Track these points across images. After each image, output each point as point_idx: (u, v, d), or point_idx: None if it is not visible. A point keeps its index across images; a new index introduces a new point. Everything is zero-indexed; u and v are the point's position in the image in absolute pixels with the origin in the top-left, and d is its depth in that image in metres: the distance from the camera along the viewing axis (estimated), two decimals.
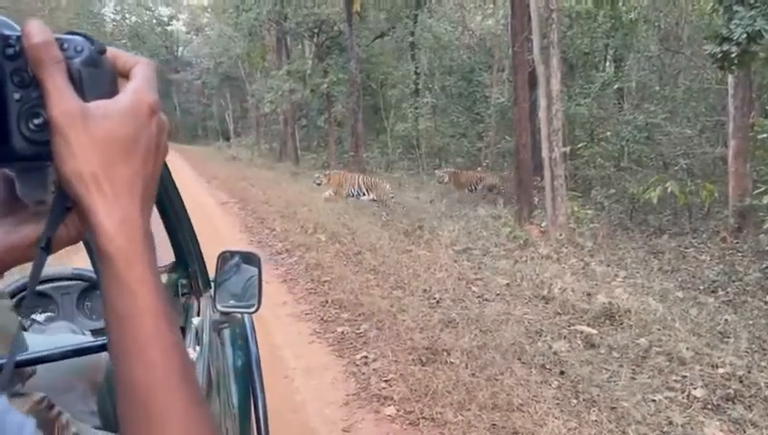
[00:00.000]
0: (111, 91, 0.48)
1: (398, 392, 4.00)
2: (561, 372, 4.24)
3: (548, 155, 8.71)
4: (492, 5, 19.63)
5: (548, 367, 4.34)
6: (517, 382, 4.05)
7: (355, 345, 4.91)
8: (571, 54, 15.53)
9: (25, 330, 1.62)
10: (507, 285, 6.33)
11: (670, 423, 3.59)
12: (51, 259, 0.54)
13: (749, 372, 4.19)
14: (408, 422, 3.69)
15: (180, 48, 45.35)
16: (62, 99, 0.45)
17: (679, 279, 7.17)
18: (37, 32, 0.44)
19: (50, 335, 1.71)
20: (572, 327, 5.09)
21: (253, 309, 2.05)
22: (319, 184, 13.52)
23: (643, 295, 5.89)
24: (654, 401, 3.86)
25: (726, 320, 5.36)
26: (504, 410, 3.70)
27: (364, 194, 12.82)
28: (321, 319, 5.58)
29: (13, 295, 1.73)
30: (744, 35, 6.97)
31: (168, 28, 43.84)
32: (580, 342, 4.79)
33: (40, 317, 1.98)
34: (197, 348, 1.58)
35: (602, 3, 15.19)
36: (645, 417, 3.64)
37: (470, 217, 10.73)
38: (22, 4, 18.77)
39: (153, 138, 0.49)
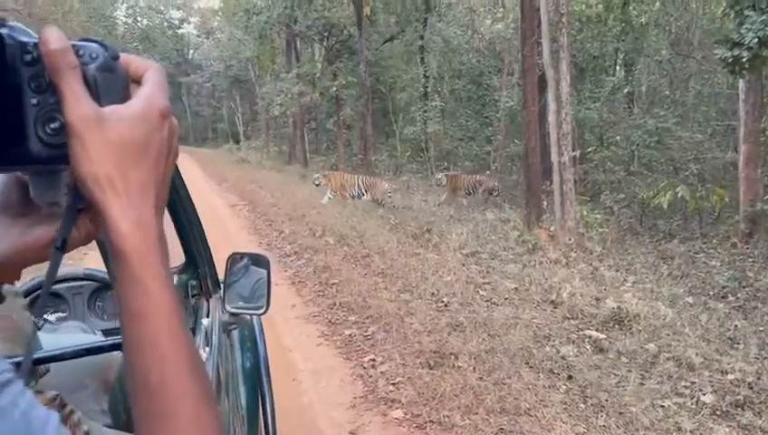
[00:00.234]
0: (124, 96, 0.50)
1: (405, 395, 4.00)
2: (570, 377, 4.23)
3: (557, 159, 8.69)
4: (502, 9, 19.63)
5: (556, 371, 4.32)
6: (525, 387, 4.04)
7: (363, 348, 4.92)
8: (581, 58, 15.50)
9: (39, 329, 1.64)
10: (515, 289, 6.32)
11: (679, 429, 3.57)
12: (63, 260, 0.55)
13: (759, 378, 4.17)
14: (415, 425, 3.69)
15: (191, 51, 45.61)
16: (78, 104, 0.46)
17: (689, 284, 7.13)
18: (54, 38, 0.46)
19: (62, 335, 1.73)
20: (581, 332, 5.07)
21: (261, 311, 2.07)
22: (318, 185, 13.57)
23: (652, 300, 5.86)
24: (662, 406, 3.84)
25: (736, 326, 5.33)
26: (512, 415, 3.70)
27: (363, 194, 12.86)
28: (330, 321, 5.59)
29: (26, 295, 1.76)
30: (756, 40, 6.94)
31: (179, 31, 44.14)
32: (588, 346, 4.78)
33: (52, 317, 2.00)
34: (207, 349, 1.60)
35: (613, 6, 15.17)
36: (653, 422, 3.62)
37: (478, 220, 10.72)
38: (35, 8, 18.96)
39: (165, 141, 0.51)
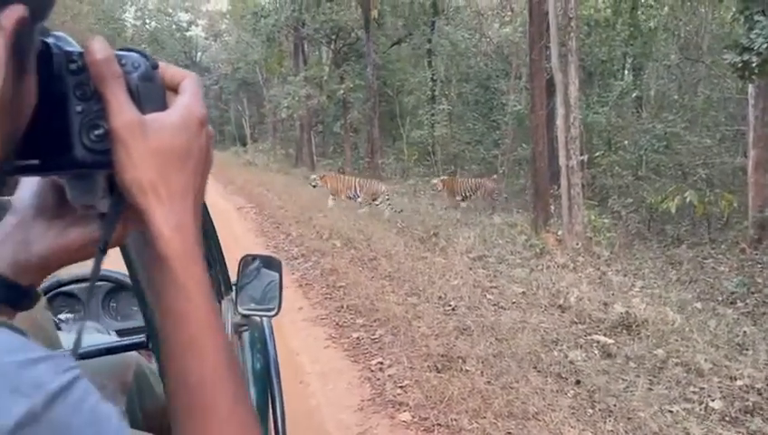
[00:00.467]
0: (163, 104, 0.51)
1: (413, 399, 4.00)
2: (578, 382, 4.22)
3: (565, 163, 8.68)
4: (510, 13, 19.63)
5: (564, 376, 4.32)
6: (533, 391, 4.04)
7: (370, 351, 4.92)
8: (589, 62, 15.48)
9: (59, 329, 1.66)
10: (523, 293, 6.31)
11: None
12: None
13: None
14: (423, 429, 3.69)
15: (199, 53, 45.78)
16: (122, 112, 0.48)
17: (697, 290, 7.11)
18: (100, 49, 0.47)
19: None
20: (589, 337, 5.06)
21: (273, 313, 2.08)
22: (314, 186, 13.62)
23: (661, 306, 5.84)
24: (671, 412, 3.83)
25: (745, 332, 5.30)
26: (520, 419, 3.69)
27: (359, 196, 12.93)
28: (337, 324, 5.60)
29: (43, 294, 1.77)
30: (765, 45, 6.91)
31: (187, 34, 44.29)
32: (596, 351, 4.77)
33: (67, 317, 2.02)
34: None
35: (621, 11, 15.15)
36: (662, 428, 3.61)
37: (485, 224, 10.70)
38: None
39: (203, 149, 0.52)
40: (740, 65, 7.29)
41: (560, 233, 8.98)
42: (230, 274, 2.19)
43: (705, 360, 4.51)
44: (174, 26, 43.77)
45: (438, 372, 4.35)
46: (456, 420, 3.71)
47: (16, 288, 0.52)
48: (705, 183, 11.45)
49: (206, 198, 0.57)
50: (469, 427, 3.64)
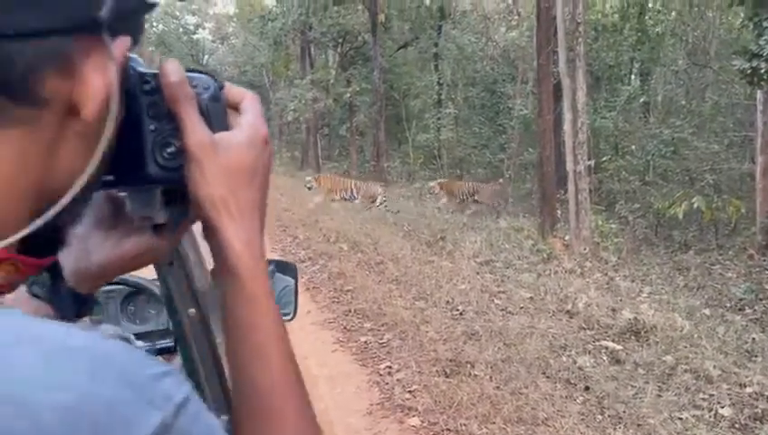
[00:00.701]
0: (227, 123, 0.53)
1: (422, 403, 4.01)
2: (587, 388, 4.22)
3: (572, 168, 8.67)
4: (516, 17, 19.64)
5: (573, 382, 4.32)
6: (542, 397, 4.04)
7: (378, 355, 4.93)
8: (597, 67, 15.47)
9: None
10: (531, 298, 6.31)
11: None
12: None
13: None
14: (432, 434, 3.70)
15: (206, 56, 45.91)
16: (196, 132, 0.50)
17: (705, 296, 7.08)
18: (174, 71, 0.50)
19: None
20: (597, 342, 5.06)
21: (289, 317, 2.08)
22: (310, 188, 13.64)
23: (669, 312, 5.82)
24: (680, 418, 3.83)
25: (754, 339, 5.28)
26: (529, 425, 3.70)
27: (356, 197, 12.96)
28: (345, 328, 5.61)
29: None
30: None
31: (194, 36, 44.44)
32: (605, 357, 4.76)
33: (87, 320, 2.03)
34: None
35: (629, 16, 15.15)
36: None
37: (492, 228, 10.70)
38: None
39: (266, 166, 0.55)
40: (749, 71, 7.29)
41: (567, 238, 8.97)
42: None
43: (714, 367, 4.50)
44: (181, 29, 43.93)
45: (447, 377, 4.36)
46: (465, 425, 3.72)
47: (78, 297, 0.54)
48: (713, 189, 11.41)
49: None
50: (479, 432, 3.64)
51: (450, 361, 4.60)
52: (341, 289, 6.73)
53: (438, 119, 19.19)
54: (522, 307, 6.02)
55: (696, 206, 9.43)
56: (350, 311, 5.99)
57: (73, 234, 0.56)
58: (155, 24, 43.75)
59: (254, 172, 0.53)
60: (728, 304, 6.82)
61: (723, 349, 4.92)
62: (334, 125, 25.27)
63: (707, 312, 6.19)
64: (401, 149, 21.53)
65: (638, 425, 3.72)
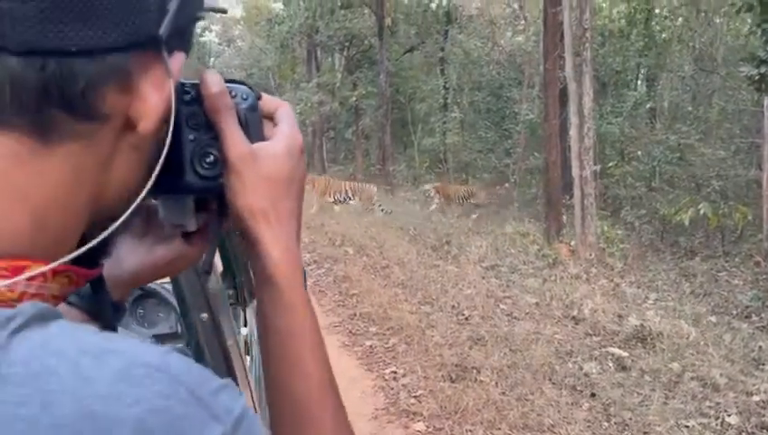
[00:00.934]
0: (263, 132, 0.54)
1: (427, 408, 4.00)
2: (593, 395, 4.20)
3: (578, 173, 8.66)
4: (523, 22, 19.65)
5: (579, 389, 4.30)
6: (548, 403, 4.02)
7: (384, 359, 4.93)
8: (603, 73, 15.46)
9: None
10: (536, 303, 6.29)
11: None
12: None
13: None
14: None
15: (212, 59, 46.04)
16: (236, 142, 0.50)
17: (712, 303, 7.06)
18: (215, 82, 0.50)
19: None
20: (603, 349, 5.04)
21: None
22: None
23: (675, 319, 5.80)
24: (687, 426, 3.81)
25: (761, 347, 5.25)
26: (535, 431, 3.69)
27: (351, 199, 12.99)
28: (350, 332, 5.61)
29: None
30: None
31: (201, 39, 44.57)
32: (611, 364, 4.74)
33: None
34: (248, 358, 1.62)
35: (635, 21, 15.13)
36: None
37: (497, 233, 10.68)
38: None
39: (303, 175, 0.56)
40: (757, 78, 7.27)
41: (572, 243, 8.96)
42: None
43: (721, 374, 4.48)
44: None
45: (452, 383, 4.35)
46: (470, 431, 3.71)
47: (115, 305, 0.55)
48: (719, 195, 11.38)
49: None
50: None
51: (456, 366, 4.59)
52: (347, 293, 6.73)
53: (444, 123, 19.21)
54: (527, 313, 6.01)
55: (702, 212, 9.41)
56: (355, 315, 5.99)
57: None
58: None
59: (291, 181, 0.53)
60: (735, 312, 6.79)
61: (729, 357, 4.90)
62: (340, 128, 25.32)
63: (714, 319, 6.17)
64: (407, 153, 21.56)
65: (645, 432, 3.71)
